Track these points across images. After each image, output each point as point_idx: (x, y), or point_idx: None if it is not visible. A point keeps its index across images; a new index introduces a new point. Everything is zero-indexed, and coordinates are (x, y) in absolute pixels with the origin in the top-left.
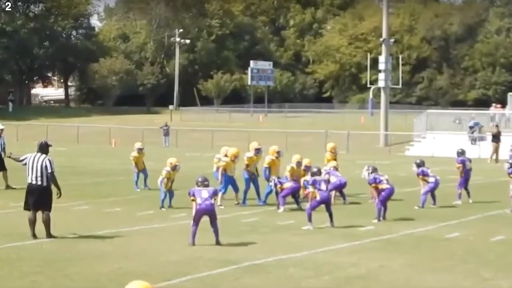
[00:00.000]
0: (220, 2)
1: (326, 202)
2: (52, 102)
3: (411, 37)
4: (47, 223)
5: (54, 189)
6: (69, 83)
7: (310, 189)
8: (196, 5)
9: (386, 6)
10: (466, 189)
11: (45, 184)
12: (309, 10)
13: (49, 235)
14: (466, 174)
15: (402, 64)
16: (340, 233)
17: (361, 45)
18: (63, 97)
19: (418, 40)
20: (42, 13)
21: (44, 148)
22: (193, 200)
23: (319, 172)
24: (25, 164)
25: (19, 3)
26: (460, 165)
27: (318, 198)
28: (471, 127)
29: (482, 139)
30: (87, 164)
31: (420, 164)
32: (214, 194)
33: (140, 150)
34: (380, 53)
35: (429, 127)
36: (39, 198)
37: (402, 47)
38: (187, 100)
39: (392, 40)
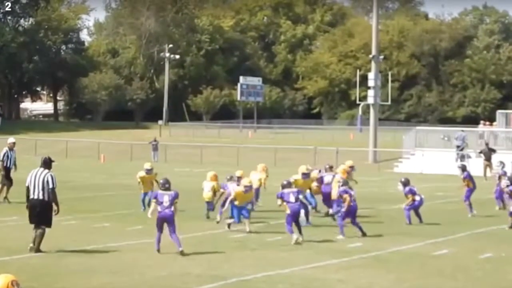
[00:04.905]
0: (210, 17)
1: (297, 214)
2: (41, 116)
3: (400, 54)
4: (40, 237)
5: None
6: (58, 98)
7: (279, 202)
8: (186, 21)
9: (376, 22)
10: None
11: (46, 199)
12: (300, 27)
13: (38, 249)
14: (474, 186)
15: (391, 81)
16: (328, 249)
17: (351, 62)
18: (52, 111)
19: (407, 56)
20: (32, 27)
21: (47, 163)
22: (154, 201)
23: (288, 185)
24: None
25: (9, 17)
26: (468, 179)
27: (288, 211)
28: (458, 146)
29: (469, 156)
30: (76, 179)
31: (406, 183)
32: (175, 198)
33: (148, 171)
34: (369, 70)
35: (418, 144)
36: (40, 212)
37: (391, 63)
38: (176, 116)
39: (382, 56)
